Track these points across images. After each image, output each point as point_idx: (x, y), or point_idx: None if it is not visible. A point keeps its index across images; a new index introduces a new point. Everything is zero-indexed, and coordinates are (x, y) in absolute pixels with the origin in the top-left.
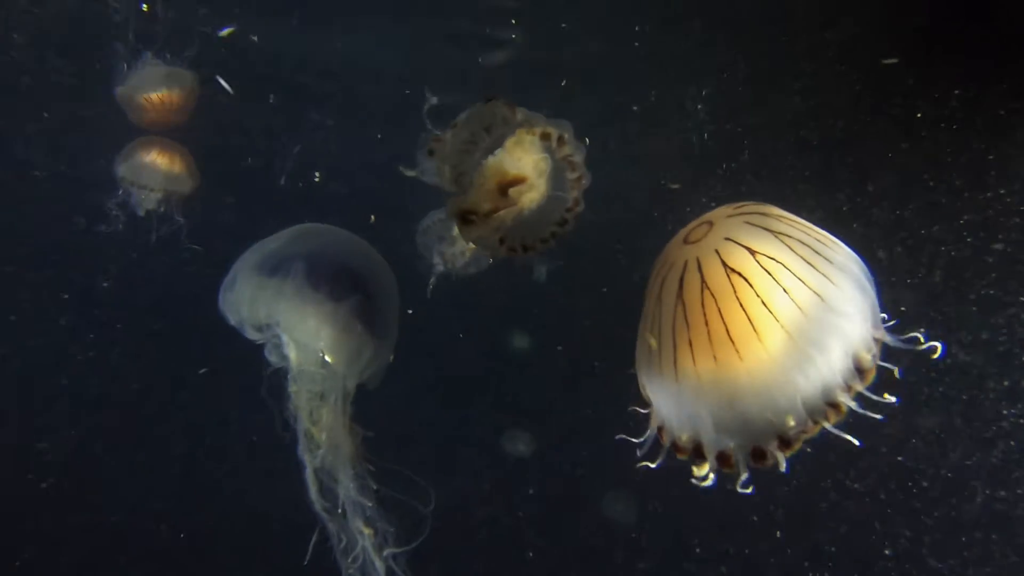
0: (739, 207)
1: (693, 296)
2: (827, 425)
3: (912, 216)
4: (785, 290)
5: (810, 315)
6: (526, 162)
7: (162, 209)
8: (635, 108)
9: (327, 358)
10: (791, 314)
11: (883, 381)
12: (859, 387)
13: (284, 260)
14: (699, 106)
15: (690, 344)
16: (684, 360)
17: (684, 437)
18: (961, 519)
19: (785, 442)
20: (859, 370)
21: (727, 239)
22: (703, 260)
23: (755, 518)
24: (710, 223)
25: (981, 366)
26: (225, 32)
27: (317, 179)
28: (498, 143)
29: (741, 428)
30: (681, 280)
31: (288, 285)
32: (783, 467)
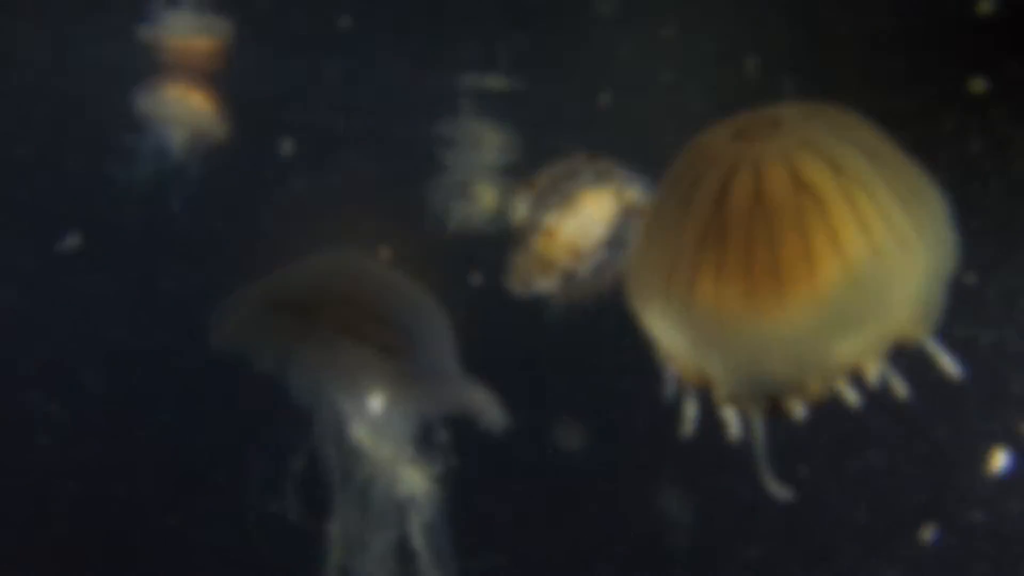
0: (818, 111)
1: (739, 208)
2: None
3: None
4: (866, 227)
5: (887, 261)
6: (599, 219)
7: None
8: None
9: (385, 412)
10: (865, 257)
11: None
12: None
13: (312, 307)
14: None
15: (718, 266)
16: (703, 283)
17: (691, 367)
18: None
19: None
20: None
21: (806, 143)
22: (763, 166)
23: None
24: (777, 122)
25: None
26: None
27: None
28: (573, 198)
29: (755, 375)
30: (725, 185)
31: (323, 342)
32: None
